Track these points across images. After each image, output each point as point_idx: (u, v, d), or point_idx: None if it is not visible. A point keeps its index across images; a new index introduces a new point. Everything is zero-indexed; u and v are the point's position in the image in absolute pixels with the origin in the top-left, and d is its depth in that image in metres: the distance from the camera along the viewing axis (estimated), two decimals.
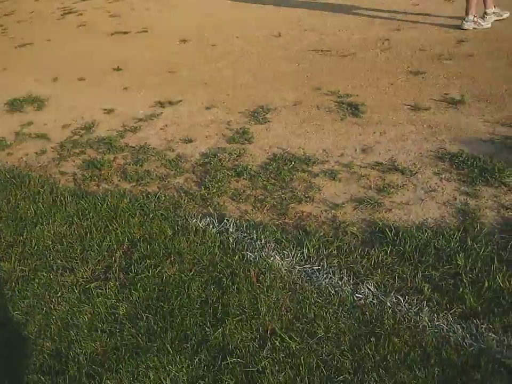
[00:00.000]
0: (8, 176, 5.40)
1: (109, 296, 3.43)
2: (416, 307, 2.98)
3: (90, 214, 4.37)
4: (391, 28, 7.83)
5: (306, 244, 3.59)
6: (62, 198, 4.72)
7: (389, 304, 3.02)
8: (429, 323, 2.86)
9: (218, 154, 5.05)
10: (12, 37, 11.19)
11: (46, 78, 8.45)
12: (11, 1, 14.65)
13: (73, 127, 6.45)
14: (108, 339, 3.11)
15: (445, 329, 2.82)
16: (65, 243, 4.07)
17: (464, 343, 2.72)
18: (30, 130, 6.64)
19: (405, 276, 3.21)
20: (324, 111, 5.68)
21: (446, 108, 5.27)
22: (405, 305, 3.01)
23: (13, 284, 3.76)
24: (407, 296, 3.07)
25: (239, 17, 9.75)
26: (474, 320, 2.84)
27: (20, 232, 4.35)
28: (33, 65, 9.24)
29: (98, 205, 4.48)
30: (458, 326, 2.83)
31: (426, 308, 2.96)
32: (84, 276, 3.68)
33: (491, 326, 2.79)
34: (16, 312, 3.48)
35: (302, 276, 3.36)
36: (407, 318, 2.91)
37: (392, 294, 3.09)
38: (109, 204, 4.47)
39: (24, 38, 10.85)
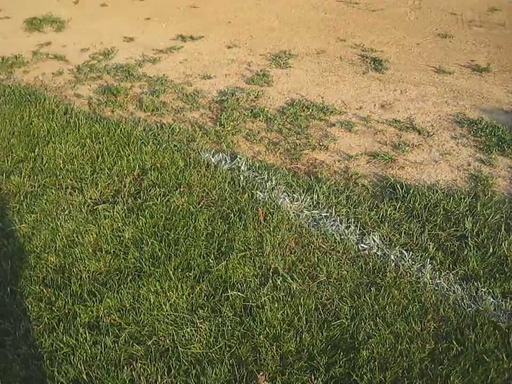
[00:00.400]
0: (24, 93, 5.37)
1: (116, 219, 3.45)
2: (419, 263, 2.99)
3: (103, 138, 4.35)
4: None
5: (316, 190, 3.59)
6: (76, 120, 4.70)
7: (392, 258, 3.03)
8: (430, 280, 2.88)
9: (236, 94, 5.01)
10: None
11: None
12: None
13: (91, 52, 6.39)
14: (112, 260, 3.14)
15: (445, 288, 2.84)
16: (76, 164, 4.07)
17: (462, 303, 2.74)
18: (48, 50, 6.58)
19: (411, 232, 3.22)
20: (346, 63, 5.61)
21: (470, 74, 5.21)
22: (408, 260, 3.02)
23: (22, 198, 3.77)
24: (411, 252, 3.08)
25: None
26: (475, 283, 2.85)
27: (32, 148, 4.34)
28: None
29: (112, 130, 4.47)
30: (458, 286, 2.85)
31: (429, 265, 2.98)
32: (93, 197, 3.69)
33: (491, 290, 2.81)
34: (23, 226, 3.50)
35: (309, 221, 3.37)
36: (409, 273, 2.93)
37: (397, 248, 3.10)
38: (122, 130, 4.45)
39: None
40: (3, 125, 4.77)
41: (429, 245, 3.12)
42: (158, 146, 4.20)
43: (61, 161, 4.12)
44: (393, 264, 2.99)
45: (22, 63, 6.29)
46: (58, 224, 3.46)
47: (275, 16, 7.00)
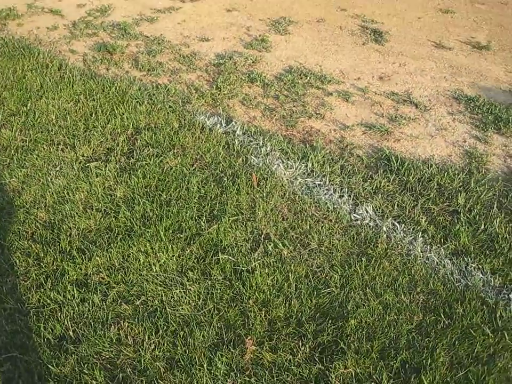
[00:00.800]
0: (17, 46, 5.26)
1: (108, 178, 3.41)
2: (411, 236, 2.99)
3: (98, 95, 4.29)
4: None
5: (311, 158, 3.57)
6: (70, 75, 4.62)
7: (384, 229, 3.03)
8: (421, 253, 2.88)
9: (234, 57, 4.94)
10: None
11: None
12: None
13: (88, 8, 6.27)
14: (102, 218, 3.11)
15: (435, 262, 2.84)
16: (69, 120, 4.01)
17: (452, 278, 2.74)
18: (43, 4, 6.45)
19: (404, 205, 3.22)
20: (346, 33, 5.54)
21: (470, 51, 5.17)
22: (400, 232, 3.02)
23: (12, 152, 3.72)
24: (403, 225, 3.08)
25: None
26: (465, 258, 2.86)
27: (24, 102, 4.27)
28: None
29: (107, 87, 4.40)
30: (448, 261, 2.85)
31: (421, 238, 2.98)
32: (85, 155, 3.65)
33: (480, 266, 2.82)
34: (13, 180, 3.45)
35: (302, 188, 3.35)
36: (401, 245, 2.93)
37: (389, 220, 3.10)
38: (117, 88, 4.39)
39: None
40: None
41: (421, 218, 3.11)
42: (153, 106, 4.15)
43: (54, 117, 4.06)
44: (385, 235, 2.99)
45: (16, 15, 6.15)
46: (49, 180, 3.42)
47: None
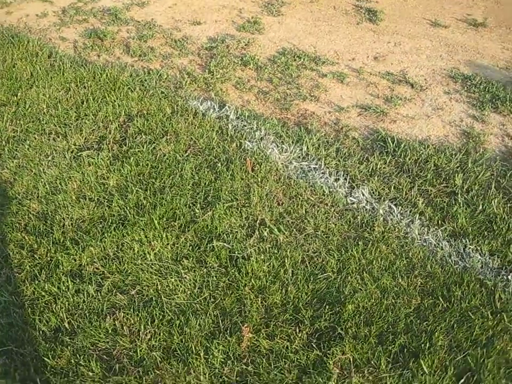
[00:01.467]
0: (6, 35, 5.19)
1: (100, 166, 3.37)
2: (408, 219, 2.96)
3: (89, 83, 4.23)
4: None
5: (306, 141, 3.52)
6: (60, 63, 4.56)
7: (381, 212, 3.00)
8: (419, 236, 2.85)
9: (226, 41, 4.88)
10: None
11: None
12: None
13: None
14: (95, 208, 3.07)
15: (433, 244, 2.81)
16: (60, 108, 3.96)
17: (450, 260, 2.72)
18: None
19: (401, 187, 3.18)
20: (340, 13, 5.47)
21: (466, 29, 5.11)
22: (397, 215, 2.99)
23: (3, 142, 3.68)
24: (400, 207, 3.04)
25: None
26: (463, 240, 2.83)
27: (14, 92, 4.22)
28: None
29: (98, 74, 4.34)
30: (446, 243, 2.82)
31: (418, 221, 2.95)
32: (77, 144, 3.61)
33: (478, 248, 2.79)
34: (5, 171, 3.41)
35: (297, 172, 3.31)
36: (398, 228, 2.90)
37: (386, 202, 3.07)
38: (108, 74, 4.33)
39: None
40: None
41: (418, 200, 3.08)
42: (145, 92, 4.09)
43: (45, 106, 4.01)
44: (381, 218, 2.96)
45: (4, 3, 6.06)
46: (41, 170, 3.39)
47: None
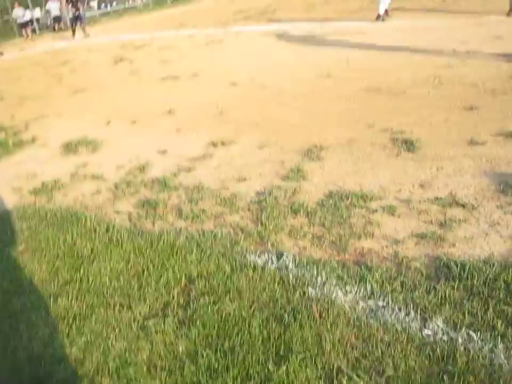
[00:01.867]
0: (65, 215, 5.45)
1: (168, 333, 3.36)
2: (490, 343, 2.82)
3: (147, 251, 4.35)
4: (441, 66, 7.83)
5: (368, 279, 3.48)
6: (118, 236, 4.72)
7: (460, 341, 2.87)
8: (505, 361, 2.69)
9: (273, 192, 5.01)
10: (67, 84, 11.56)
11: (100, 121, 8.68)
12: (65, 52, 15.20)
13: (127, 168, 6.53)
14: (168, 377, 3.03)
15: None
16: (122, 280, 4.04)
17: None
18: (85, 171, 6.75)
19: (475, 311, 3.07)
20: (378, 148, 5.61)
21: (504, 142, 5.17)
22: (478, 341, 2.85)
23: (70, 320, 3.73)
24: (479, 332, 2.91)
25: (287, 59, 9.87)
26: None
27: (77, 269, 4.34)
28: (87, 110, 9.51)
29: (155, 242, 4.47)
30: None
31: (501, 344, 2.80)
32: (142, 313, 3.63)
33: None
34: (74, 349, 3.44)
35: (366, 312, 3.24)
36: (481, 356, 2.75)
37: (463, 330, 2.94)
38: (165, 241, 4.45)
39: (78, 85, 11.18)
40: (47, 248, 4.81)
41: (497, 322, 2.95)
42: (202, 253, 4.17)
43: (107, 279, 4.10)
44: (462, 347, 2.82)
45: (61, 186, 6.43)
46: (110, 344, 3.39)
47: (301, 112, 7.13)
